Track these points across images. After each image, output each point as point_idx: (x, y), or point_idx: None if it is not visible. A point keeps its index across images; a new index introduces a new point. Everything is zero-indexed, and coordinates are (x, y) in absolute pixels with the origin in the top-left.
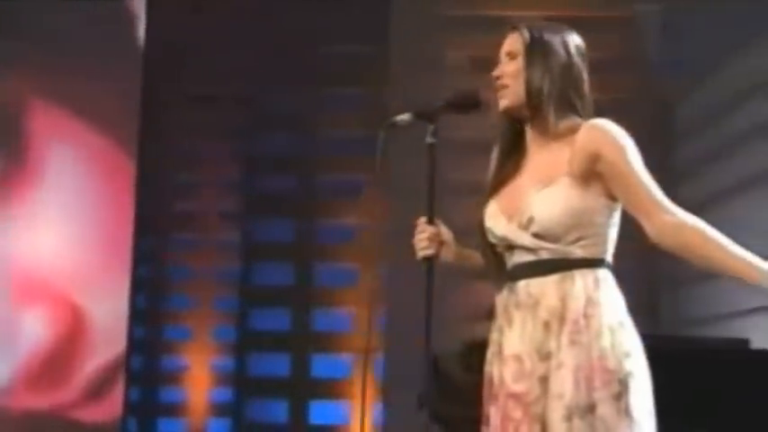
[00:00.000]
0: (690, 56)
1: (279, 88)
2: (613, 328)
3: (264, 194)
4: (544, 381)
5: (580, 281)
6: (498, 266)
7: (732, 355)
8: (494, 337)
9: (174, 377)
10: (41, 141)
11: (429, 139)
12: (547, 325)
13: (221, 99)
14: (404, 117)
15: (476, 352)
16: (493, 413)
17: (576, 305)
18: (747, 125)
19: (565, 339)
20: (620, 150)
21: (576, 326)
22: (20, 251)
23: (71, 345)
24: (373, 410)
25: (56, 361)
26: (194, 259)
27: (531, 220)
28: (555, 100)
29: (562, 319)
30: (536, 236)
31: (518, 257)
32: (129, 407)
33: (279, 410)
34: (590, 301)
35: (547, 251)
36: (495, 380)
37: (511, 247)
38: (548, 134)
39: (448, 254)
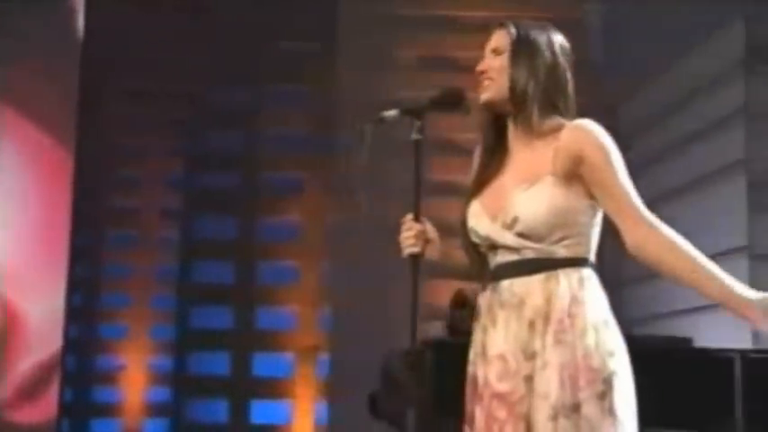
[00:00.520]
0: (633, 58)
1: (222, 84)
2: (598, 327)
3: (206, 191)
4: (529, 380)
5: (564, 280)
6: (481, 266)
7: (675, 354)
8: (477, 336)
9: (110, 377)
10: None
11: (415, 136)
12: (532, 324)
13: (162, 94)
14: (391, 113)
15: (427, 351)
16: (478, 413)
17: (561, 304)
18: (690, 128)
19: (550, 339)
20: (603, 154)
21: (560, 325)
22: None
23: (5, 344)
24: (316, 409)
25: None
26: (133, 257)
27: (515, 220)
28: (539, 99)
29: (547, 318)
30: (520, 235)
31: (501, 257)
32: (64, 407)
33: (219, 410)
34: (575, 301)
35: (531, 251)
36: (480, 380)
37: (494, 246)
38: (531, 132)
39: (433, 252)
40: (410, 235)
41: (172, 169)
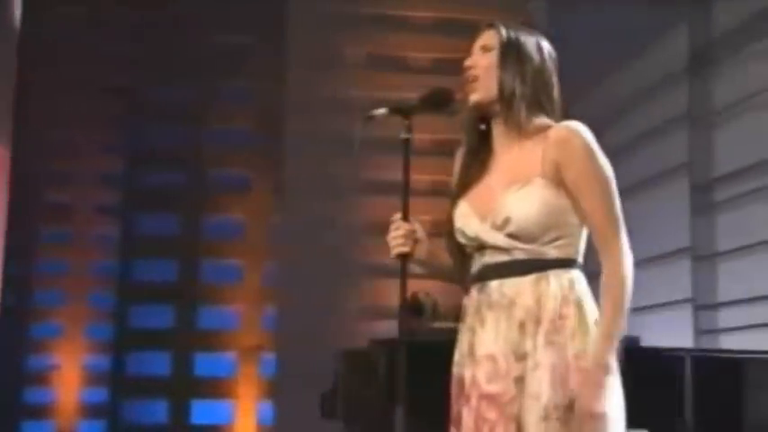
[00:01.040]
0: (579, 62)
1: (166, 79)
2: (589, 327)
3: (147, 188)
4: (520, 381)
5: (555, 281)
6: (464, 267)
7: (624, 353)
8: (464, 337)
9: (43, 377)
10: None
11: (403, 135)
12: (522, 325)
13: (103, 89)
14: (381, 111)
15: (380, 350)
16: (465, 414)
17: (552, 305)
18: (635, 131)
19: (541, 340)
20: (585, 166)
21: (552, 326)
22: None
23: None
24: (259, 409)
25: None
26: (69, 254)
27: (507, 221)
28: (526, 102)
29: (538, 319)
30: (511, 236)
31: (490, 258)
32: None
33: (158, 410)
34: (565, 302)
35: (521, 251)
36: (467, 380)
37: (482, 247)
38: (518, 132)
39: (421, 252)
40: (399, 234)
41: (112, 165)
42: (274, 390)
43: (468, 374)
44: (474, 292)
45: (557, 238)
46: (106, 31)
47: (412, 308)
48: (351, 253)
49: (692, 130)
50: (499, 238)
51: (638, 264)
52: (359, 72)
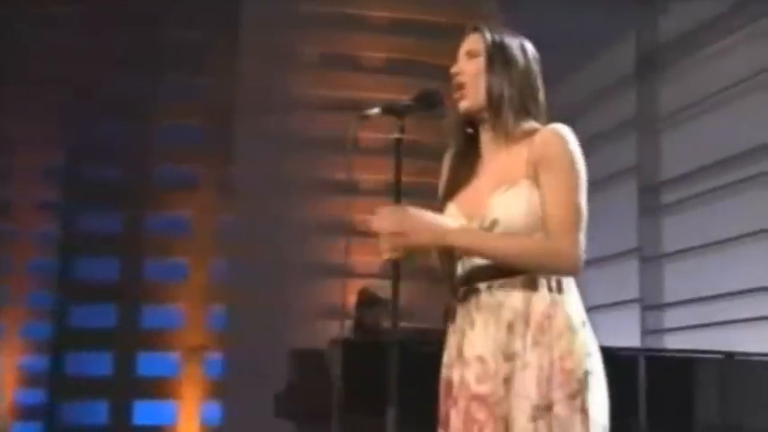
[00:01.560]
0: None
1: (113, 71)
2: (576, 328)
3: (90, 183)
4: (508, 381)
5: (543, 282)
6: (452, 269)
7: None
8: (452, 339)
9: None
10: None
11: (396, 135)
12: (511, 326)
13: (43, 80)
14: (374, 111)
15: (336, 350)
16: (453, 415)
17: (540, 306)
18: (585, 135)
19: (529, 340)
20: (562, 164)
21: (539, 326)
22: None
23: None
24: (204, 410)
25: None
26: (7, 251)
27: (495, 223)
28: (514, 108)
29: (526, 320)
30: None
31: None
32: None
33: (98, 411)
34: (553, 303)
35: None
36: (455, 382)
37: None
38: (505, 138)
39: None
40: (387, 238)
41: (53, 159)
42: (221, 390)
43: (456, 376)
44: (462, 293)
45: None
46: (48, 20)
47: (364, 302)
48: (301, 252)
49: (640, 134)
50: None
51: (587, 264)
52: (313, 71)
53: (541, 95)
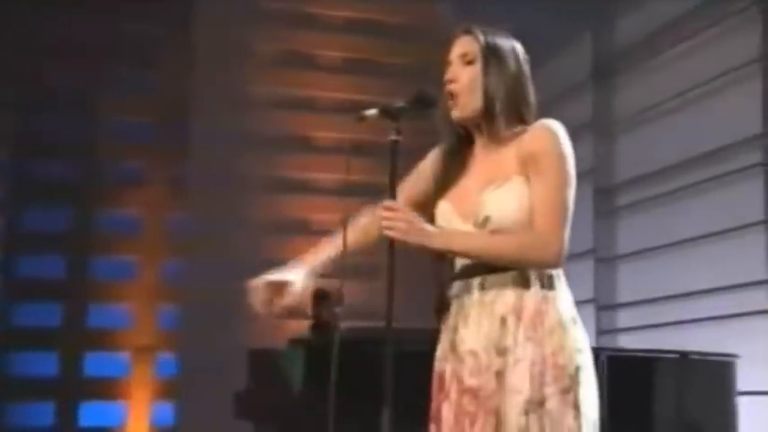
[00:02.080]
0: None
1: (61, 63)
2: (567, 324)
3: (35, 179)
4: (500, 376)
5: (535, 278)
6: (443, 265)
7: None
8: (445, 336)
9: None
10: None
11: (392, 137)
12: (503, 321)
13: None
14: (371, 112)
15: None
16: (446, 409)
17: (532, 302)
18: None
19: (521, 335)
20: (551, 159)
21: (531, 322)
22: None
23: None
24: (154, 410)
25: None
26: None
27: (487, 219)
28: (507, 109)
29: (519, 315)
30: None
31: None
32: None
33: (44, 413)
34: (545, 298)
35: None
36: (447, 375)
37: None
38: (496, 140)
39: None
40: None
41: None
42: (173, 390)
43: (449, 370)
44: (456, 288)
45: None
46: None
47: (319, 299)
48: (254, 250)
49: (595, 137)
50: None
51: None
52: (268, 69)
53: (532, 97)
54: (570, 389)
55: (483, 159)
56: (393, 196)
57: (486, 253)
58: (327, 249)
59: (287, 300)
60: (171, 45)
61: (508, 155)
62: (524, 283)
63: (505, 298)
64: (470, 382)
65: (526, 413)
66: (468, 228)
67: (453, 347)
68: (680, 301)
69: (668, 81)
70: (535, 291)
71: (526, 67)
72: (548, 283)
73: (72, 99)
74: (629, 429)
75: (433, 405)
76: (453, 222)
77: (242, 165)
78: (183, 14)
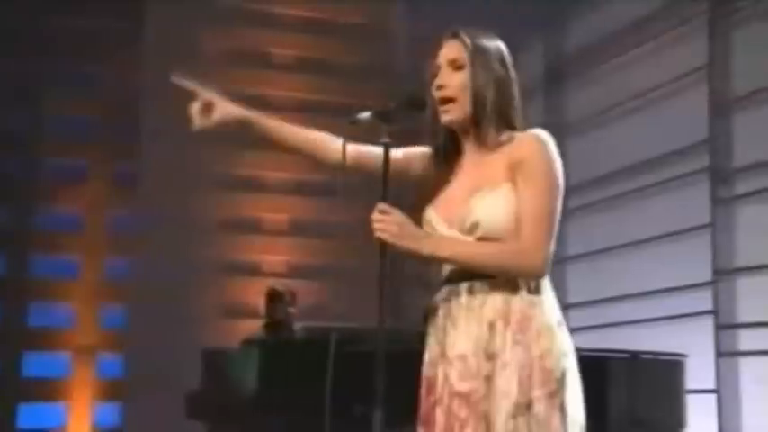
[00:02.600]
0: None
1: (2, 54)
2: (553, 328)
3: None
4: (489, 380)
5: (522, 283)
6: (436, 270)
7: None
8: (435, 339)
9: None
10: None
11: (384, 140)
12: (492, 325)
13: None
14: (365, 115)
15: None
16: (438, 413)
17: (520, 306)
18: None
19: (509, 339)
20: (539, 168)
21: (519, 326)
22: None
23: None
24: (96, 411)
25: None
26: None
27: (475, 225)
28: (496, 114)
29: (506, 319)
30: (480, 240)
31: None
32: None
33: None
34: (532, 303)
35: None
36: (439, 380)
37: None
38: (485, 146)
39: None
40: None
41: None
42: (117, 391)
43: (440, 374)
44: (444, 293)
45: None
46: None
47: (272, 299)
48: (203, 249)
49: None
50: None
51: None
52: (219, 66)
53: (518, 102)
54: (557, 392)
55: (471, 166)
56: (385, 199)
57: (473, 260)
58: (291, 126)
59: (221, 112)
60: (122, 41)
61: (497, 162)
62: (512, 289)
63: (493, 303)
64: (460, 386)
65: (514, 417)
66: (454, 233)
67: (443, 351)
68: (628, 302)
69: (618, 87)
70: (522, 295)
71: (512, 71)
72: (534, 288)
73: (12, 92)
74: None
75: (422, 409)
76: (439, 229)
77: (192, 163)
78: (136, 10)
